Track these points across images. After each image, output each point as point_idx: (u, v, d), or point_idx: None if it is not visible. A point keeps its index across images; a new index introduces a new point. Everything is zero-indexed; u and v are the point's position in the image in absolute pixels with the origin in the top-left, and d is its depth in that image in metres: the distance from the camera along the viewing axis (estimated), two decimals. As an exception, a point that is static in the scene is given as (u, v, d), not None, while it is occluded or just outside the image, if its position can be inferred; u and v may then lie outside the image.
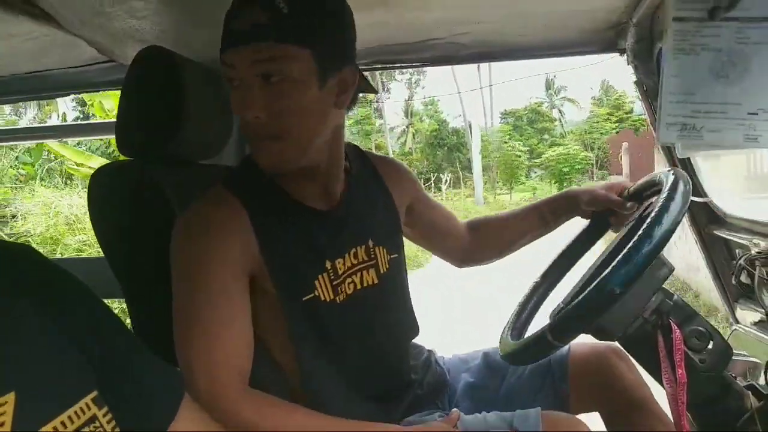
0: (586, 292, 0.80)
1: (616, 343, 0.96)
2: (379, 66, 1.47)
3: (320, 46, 0.86)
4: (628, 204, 1.16)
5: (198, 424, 0.62)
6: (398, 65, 1.41)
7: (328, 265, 0.98)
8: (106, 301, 0.56)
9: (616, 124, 30.89)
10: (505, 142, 27.40)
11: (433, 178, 25.74)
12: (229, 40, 0.86)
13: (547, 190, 25.82)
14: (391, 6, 1.13)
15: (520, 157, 26.63)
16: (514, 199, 24.61)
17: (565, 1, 1.14)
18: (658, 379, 0.87)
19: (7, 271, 0.50)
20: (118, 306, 3.16)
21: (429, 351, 1.26)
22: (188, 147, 1.15)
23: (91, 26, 1.20)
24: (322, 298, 0.97)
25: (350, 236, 1.03)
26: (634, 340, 0.90)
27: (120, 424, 0.50)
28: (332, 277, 0.99)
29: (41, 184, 7.13)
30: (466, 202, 21.86)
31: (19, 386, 0.44)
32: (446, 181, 24.77)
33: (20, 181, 7.46)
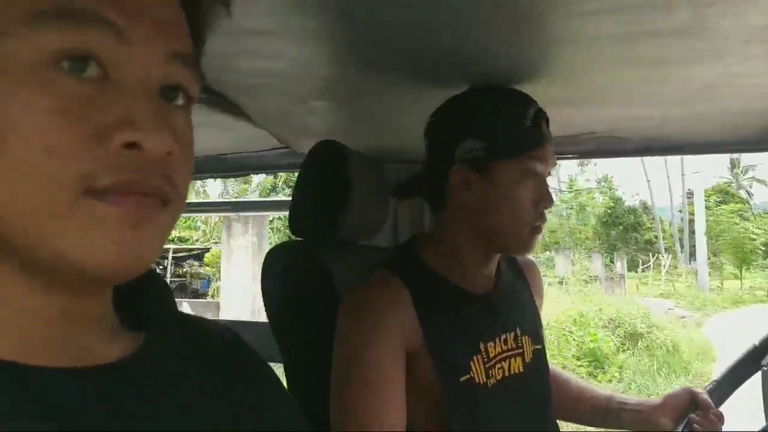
0: None
1: None
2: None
3: None
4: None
5: None
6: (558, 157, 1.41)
7: (482, 347, 1.00)
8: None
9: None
10: (737, 223, 23.91)
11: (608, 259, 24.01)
12: (543, 138, 0.97)
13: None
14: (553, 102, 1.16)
15: (755, 240, 23.15)
16: (746, 286, 21.67)
17: (740, 100, 1.10)
18: None
19: (214, 351, 0.53)
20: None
21: None
22: (351, 230, 1.24)
23: (275, 121, 1.37)
24: (477, 380, 0.98)
25: (501, 322, 1.05)
26: None
27: None
28: (485, 360, 1.00)
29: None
30: (679, 286, 19.55)
31: None
32: (639, 263, 22.59)
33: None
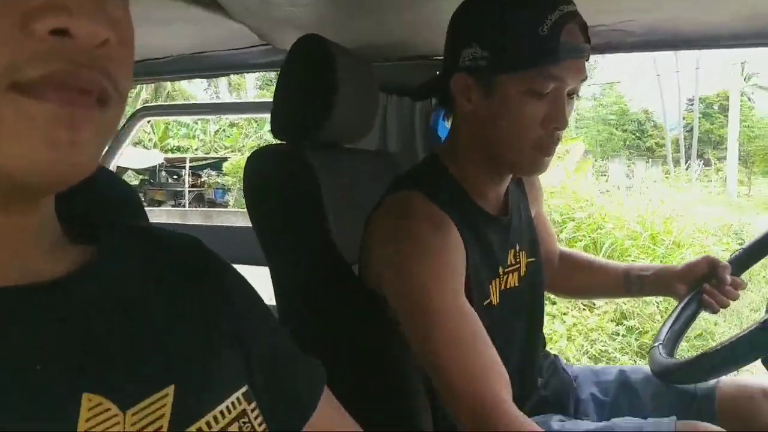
0: None
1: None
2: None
3: None
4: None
5: (337, 421, 0.60)
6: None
7: (500, 270, 0.99)
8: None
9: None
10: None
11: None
12: (565, 52, 0.82)
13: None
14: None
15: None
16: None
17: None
18: None
19: (177, 260, 0.51)
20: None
21: (555, 356, 1.24)
22: (338, 132, 1.18)
23: (254, 13, 1.26)
24: (493, 303, 0.96)
25: (510, 242, 1.03)
26: None
27: (264, 416, 0.48)
28: (499, 283, 0.99)
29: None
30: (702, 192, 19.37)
31: (179, 379, 0.43)
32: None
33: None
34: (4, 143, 0.33)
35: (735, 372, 0.90)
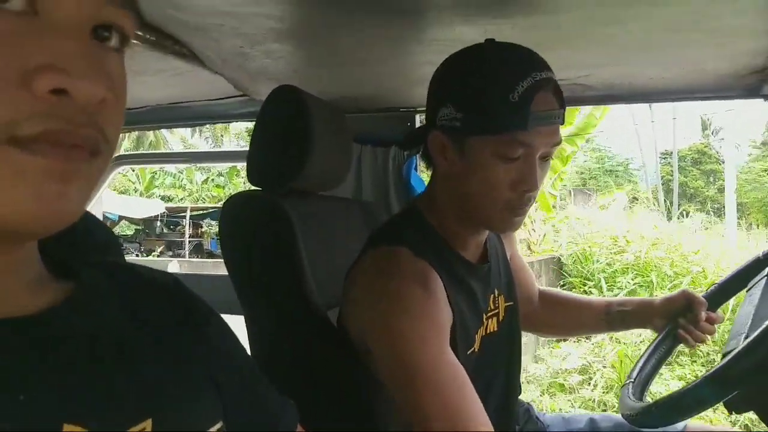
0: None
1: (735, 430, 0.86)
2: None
3: None
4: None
5: None
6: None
7: (483, 318, 0.99)
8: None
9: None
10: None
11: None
12: (535, 119, 0.83)
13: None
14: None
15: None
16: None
17: (700, 45, 1.09)
18: None
19: (154, 297, 0.52)
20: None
21: (528, 404, 1.23)
22: (313, 180, 1.20)
23: (231, 65, 1.31)
24: (475, 350, 0.96)
25: (491, 284, 1.04)
26: None
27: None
28: (482, 329, 0.99)
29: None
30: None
31: (156, 413, 0.44)
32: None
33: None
34: None
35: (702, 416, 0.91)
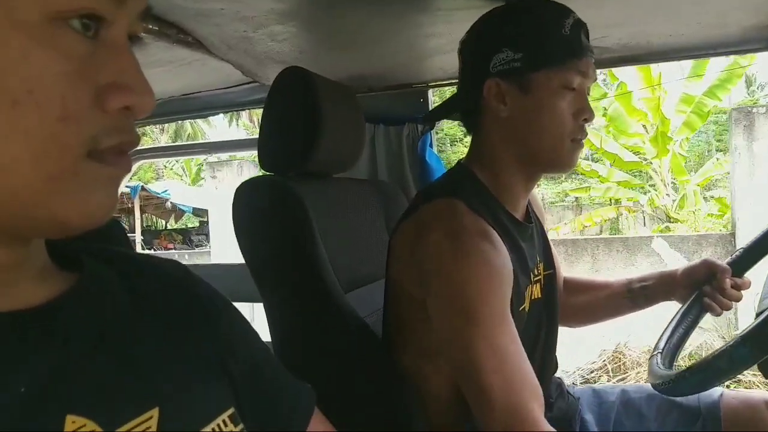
0: None
1: None
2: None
3: None
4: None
5: None
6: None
7: (532, 276, 1.00)
8: (245, 304, 0.57)
9: None
10: None
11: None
12: (584, 49, 0.93)
13: None
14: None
15: None
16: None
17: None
18: None
19: (160, 285, 0.52)
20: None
21: (559, 378, 1.21)
22: (325, 162, 1.19)
23: (236, 51, 1.29)
24: (525, 308, 0.97)
25: (535, 249, 1.05)
26: None
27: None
28: (532, 288, 1.00)
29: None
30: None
31: (163, 401, 0.44)
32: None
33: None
34: (72, 201, 0.38)
35: (736, 380, 0.88)
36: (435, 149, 1.57)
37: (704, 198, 7.66)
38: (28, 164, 0.36)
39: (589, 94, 0.97)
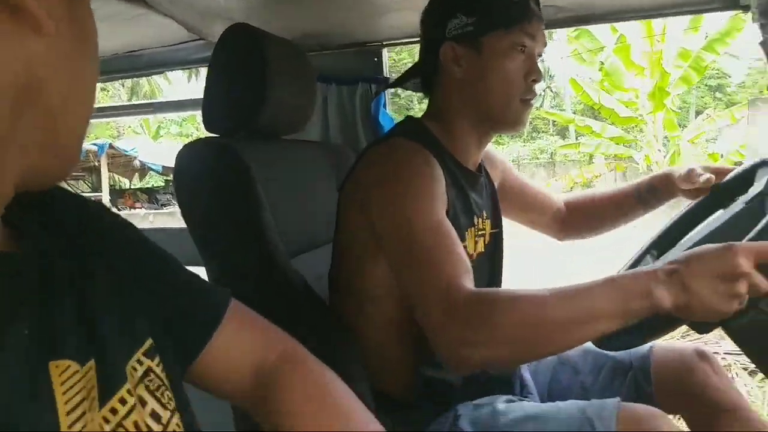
0: None
1: (701, 345, 0.88)
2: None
3: None
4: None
5: (247, 327, 0.63)
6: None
7: (475, 220, 1.04)
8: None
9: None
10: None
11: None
12: (535, 15, 0.98)
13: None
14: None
15: None
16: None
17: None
18: None
19: (86, 224, 0.52)
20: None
21: None
22: (272, 123, 1.15)
23: (179, 5, 1.23)
24: (468, 251, 0.99)
25: (482, 202, 1.08)
26: (748, 334, 0.79)
27: (166, 362, 0.51)
28: (475, 232, 1.04)
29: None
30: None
31: (97, 354, 0.45)
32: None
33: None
34: None
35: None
36: (389, 110, 1.53)
37: (698, 157, 7.66)
38: None
39: (539, 57, 1.02)
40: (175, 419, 0.50)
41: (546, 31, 1.04)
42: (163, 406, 0.49)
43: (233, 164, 1.02)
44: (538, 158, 13.21)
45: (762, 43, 1.12)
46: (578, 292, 0.72)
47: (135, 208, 13.39)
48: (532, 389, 1.12)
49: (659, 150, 7.49)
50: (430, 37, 1.04)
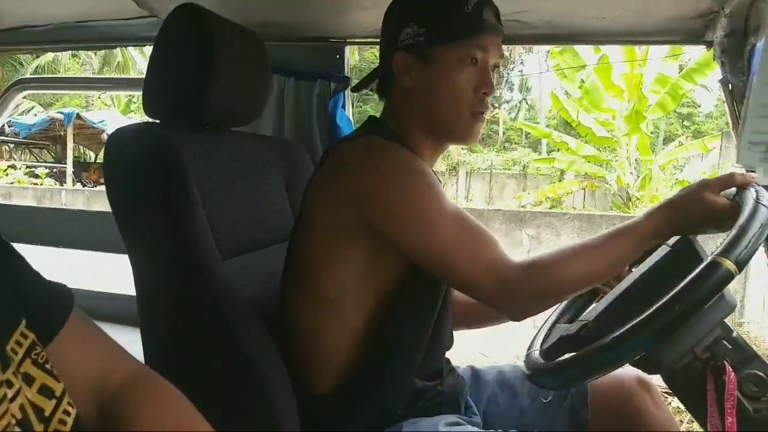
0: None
1: (642, 374, 0.92)
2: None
3: None
4: None
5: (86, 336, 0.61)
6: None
7: None
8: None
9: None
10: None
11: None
12: (488, 27, 0.96)
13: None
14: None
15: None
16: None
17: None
18: (703, 424, 0.77)
19: None
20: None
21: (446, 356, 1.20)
22: (219, 112, 1.09)
23: (131, -23, 1.16)
24: None
25: None
26: (681, 378, 0.80)
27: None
28: None
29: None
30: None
31: None
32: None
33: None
34: None
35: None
36: (348, 111, 1.49)
37: (667, 182, 7.80)
38: None
39: (494, 71, 1.01)
40: None
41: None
42: (55, 377, 0.49)
43: (163, 152, 0.96)
44: (510, 169, 13.35)
45: (722, 81, 1.11)
46: (603, 242, 0.87)
47: (100, 183, 13.03)
48: (476, 410, 1.11)
49: (631, 173, 7.62)
50: (386, 45, 1.03)
